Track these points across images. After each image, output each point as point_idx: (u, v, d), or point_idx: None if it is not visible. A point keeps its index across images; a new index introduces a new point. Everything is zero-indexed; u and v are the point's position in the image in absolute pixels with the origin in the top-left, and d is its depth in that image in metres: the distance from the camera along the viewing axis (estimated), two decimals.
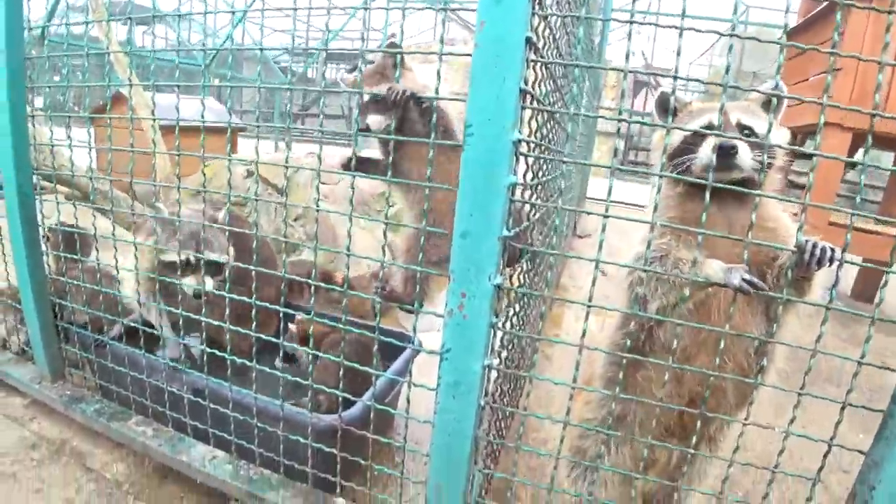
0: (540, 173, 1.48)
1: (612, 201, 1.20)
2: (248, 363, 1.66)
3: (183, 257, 1.95)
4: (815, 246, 1.22)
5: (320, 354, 1.90)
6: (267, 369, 1.66)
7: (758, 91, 1.35)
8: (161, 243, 2.00)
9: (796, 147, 1.37)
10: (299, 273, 2.83)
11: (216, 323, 1.74)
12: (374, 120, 1.87)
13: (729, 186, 1.18)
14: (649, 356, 1.47)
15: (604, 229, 1.20)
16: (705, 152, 1.35)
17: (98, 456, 2.11)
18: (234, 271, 2.14)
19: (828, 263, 1.23)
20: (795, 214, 1.34)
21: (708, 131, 1.25)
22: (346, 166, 1.97)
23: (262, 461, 1.84)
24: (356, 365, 1.63)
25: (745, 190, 1.20)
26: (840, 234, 1.18)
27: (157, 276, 1.99)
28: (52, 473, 1.99)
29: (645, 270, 1.28)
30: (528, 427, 2.52)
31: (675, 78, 1.16)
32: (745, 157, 1.34)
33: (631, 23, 1.13)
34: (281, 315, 2.27)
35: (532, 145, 1.27)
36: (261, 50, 1.56)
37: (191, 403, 1.90)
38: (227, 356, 1.76)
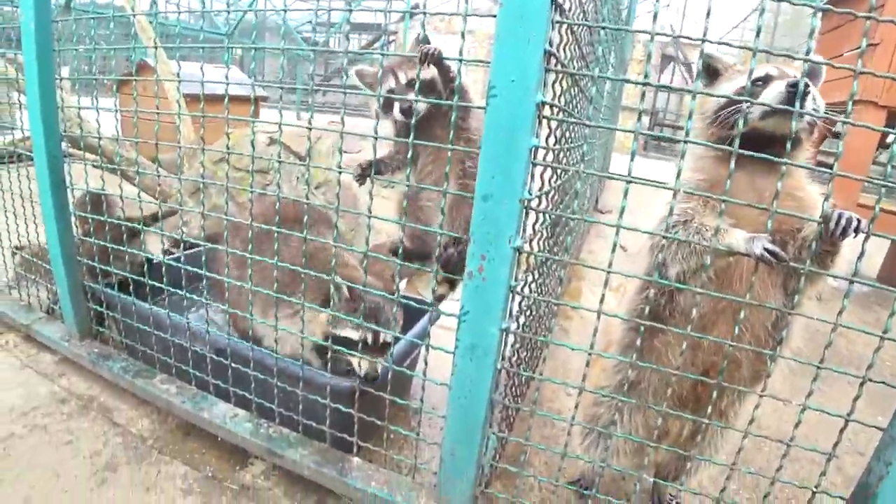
0: (563, 139, 1.47)
1: (634, 178, 1.18)
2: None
3: (362, 336, 1.75)
4: (840, 216, 1.19)
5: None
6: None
7: (793, 57, 1.30)
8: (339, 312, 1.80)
9: (833, 116, 1.32)
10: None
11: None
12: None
13: (758, 155, 1.15)
14: (668, 322, 1.46)
15: (626, 194, 1.19)
16: (773, 92, 1.29)
17: (124, 411, 2.18)
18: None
19: (853, 234, 1.20)
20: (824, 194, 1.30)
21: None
22: (365, 173, 1.94)
23: (281, 420, 1.89)
24: (377, 327, 1.66)
25: (772, 158, 1.17)
26: (868, 215, 1.14)
27: (330, 345, 1.76)
28: (80, 427, 2.07)
29: (665, 237, 1.26)
30: (543, 398, 2.54)
31: (704, 40, 1.13)
32: (811, 103, 1.29)
33: None
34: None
35: (555, 109, 1.26)
36: (284, 13, 1.55)
37: (213, 363, 1.95)
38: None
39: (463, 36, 1.28)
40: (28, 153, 2.22)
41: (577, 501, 1.93)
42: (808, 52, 1.11)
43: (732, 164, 1.13)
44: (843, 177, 1.19)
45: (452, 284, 2.01)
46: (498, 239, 1.23)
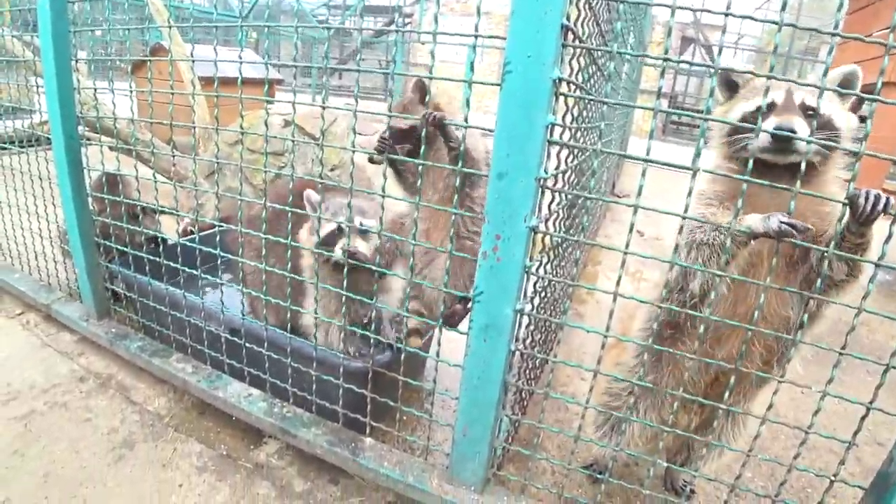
0: (580, 117, 1.44)
1: (652, 160, 1.15)
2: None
3: (334, 225, 1.79)
4: (868, 193, 1.16)
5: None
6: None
7: (820, 31, 1.25)
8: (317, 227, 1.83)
9: (831, 143, 1.28)
10: None
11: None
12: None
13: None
14: (686, 330, 1.49)
15: (644, 174, 1.16)
16: (763, 133, 1.25)
17: (141, 390, 2.22)
18: None
19: (882, 212, 1.16)
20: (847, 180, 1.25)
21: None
22: (382, 144, 1.98)
23: (295, 400, 1.90)
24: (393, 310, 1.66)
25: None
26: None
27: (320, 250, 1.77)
28: (98, 404, 2.11)
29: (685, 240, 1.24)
30: (558, 382, 2.53)
31: (728, 14, 1.09)
32: (804, 136, 1.24)
33: None
34: None
35: (572, 86, 1.23)
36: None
37: (228, 342, 1.96)
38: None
39: (479, 13, 1.26)
40: (47, 136, 2.24)
41: (590, 485, 1.93)
42: (835, 27, 1.07)
43: (744, 187, 1.12)
44: (871, 155, 1.15)
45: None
46: (513, 218, 1.21)
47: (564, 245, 1.81)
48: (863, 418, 1.27)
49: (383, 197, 1.43)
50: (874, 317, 1.20)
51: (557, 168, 1.35)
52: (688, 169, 1.19)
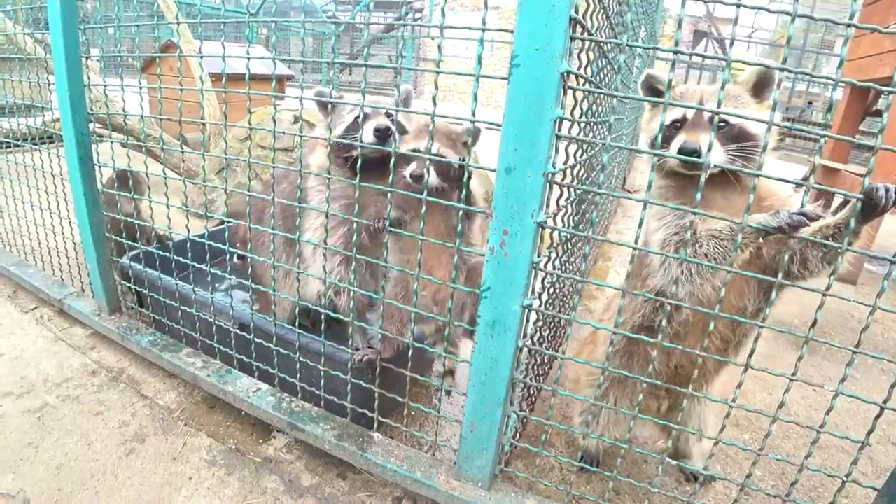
0: (589, 111, 1.42)
1: (660, 153, 1.14)
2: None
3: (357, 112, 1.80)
4: (887, 189, 1.14)
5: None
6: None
7: (835, 22, 1.22)
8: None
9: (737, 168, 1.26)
10: None
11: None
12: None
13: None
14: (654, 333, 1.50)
15: (654, 168, 1.14)
16: (672, 150, 1.28)
17: (152, 384, 2.24)
18: None
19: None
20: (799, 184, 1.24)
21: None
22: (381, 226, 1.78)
23: (303, 395, 1.91)
24: (399, 304, 1.66)
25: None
26: None
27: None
28: (110, 398, 2.13)
29: (684, 259, 1.22)
30: (565, 378, 2.52)
31: (739, 5, 1.07)
32: (716, 154, 1.28)
33: None
34: None
35: (581, 79, 1.21)
36: None
37: (237, 337, 1.97)
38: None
39: (486, 5, 1.24)
40: (60, 133, 2.26)
41: (598, 482, 1.92)
42: (851, 17, 1.04)
43: (699, 196, 1.12)
44: (888, 150, 1.12)
45: None
46: (520, 213, 1.20)
47: (574, 241, 1.80)
48: (877, 417, 1.24)
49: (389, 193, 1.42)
50: (890, 315, 1.18)
51: (566, 163, 1.33)
52: (696, 162, 1.17)
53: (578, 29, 1.14)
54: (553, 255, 1.48)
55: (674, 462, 1.45)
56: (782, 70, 1.11)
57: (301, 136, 1.60)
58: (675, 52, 1.10)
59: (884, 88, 1.12)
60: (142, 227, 2.19)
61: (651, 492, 1.41)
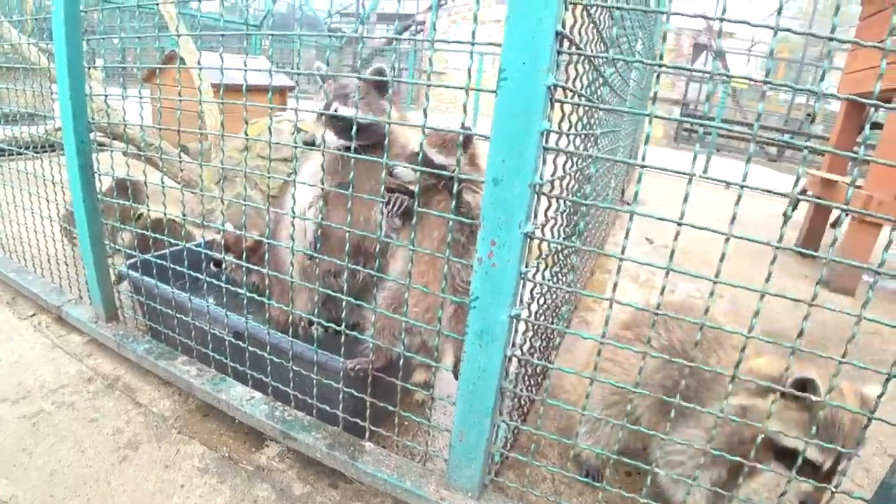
0: (578, 124, 1.44)
1: (647, 164, 1.15)
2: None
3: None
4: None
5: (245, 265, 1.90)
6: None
7: (816, 36, 1.24)
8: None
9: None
10: None
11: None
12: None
13: None
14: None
15: (640, 179, 1.16)
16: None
17: (147, 391, 2.25)
18: None
19: None
20: None
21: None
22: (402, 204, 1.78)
23: (296, 403, 1.91)
24: (391, 314, 1.67)
25: None
26: None
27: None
28: (105, 405, 2.14)
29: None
30: (561, 389, 2.51)
31: (722, 19, 1.09)
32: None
33: None
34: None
35: (569, 92, 1.23)
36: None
37: (231, 346, 1.98)
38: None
39: (475, 19, 1.27)
40: (60, 141, 2.29)
41: (590, 493, 1.91)
42: (833, 31, 1.06)
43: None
44: (872, 161, 1.14)
45: None
46: (508, 224, 1.22)
47: (564, 252, 1.81)
48: (864, 427, 1.25)
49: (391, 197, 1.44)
50: (888, 328, 1.18)
51: (554, 174, 1.35)
52: (685, 174, 1.19)
53: (566, 43, 1.16)
54: (542, 266, 1.49)
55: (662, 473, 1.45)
56: (767, 82, 1.12)
57: (296, 147, 1.62)
58: (660, 66, 1.12)
59: (867, 101, 1.13)
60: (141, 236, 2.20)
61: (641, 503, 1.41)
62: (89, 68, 2.23)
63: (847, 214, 1.24)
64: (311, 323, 1.89)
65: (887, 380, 1.17)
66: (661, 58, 1.10)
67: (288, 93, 6.85)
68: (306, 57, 17.69)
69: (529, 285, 1.36)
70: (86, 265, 2.41)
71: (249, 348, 1.91)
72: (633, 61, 1.10)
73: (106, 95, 2.21)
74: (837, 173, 5.44)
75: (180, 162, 2.05)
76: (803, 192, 6.39)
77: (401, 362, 1.61)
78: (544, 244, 1.36)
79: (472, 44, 1.25)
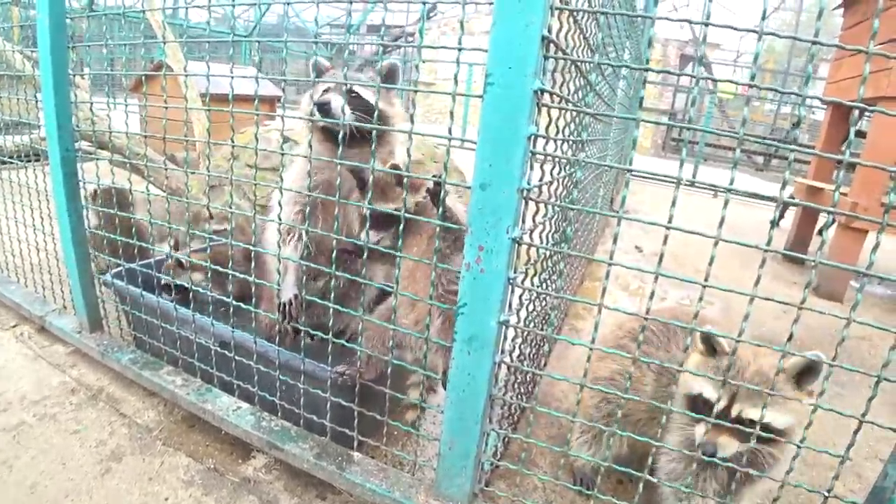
0: (566, 129, 1.44)
1: (634, 169, 1.15)
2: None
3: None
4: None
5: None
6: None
7: (799, 39, 1.24)
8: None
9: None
10: None
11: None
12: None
13: None
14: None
15: (627, 184, 1.16)
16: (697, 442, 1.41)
17: (131, 402, 2.20)
18: None
19: None
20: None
21: None
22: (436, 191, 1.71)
23: (283, 413, 1.88)
24: (382, 322, 1.65)
25: None
26: (893, 215, 1.09)
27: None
28: (88, 416, 2.09)
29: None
30: (553, 397, 2.50)
31: (707, 24, 1.09)
32: (728, 451, 1.36)
33: None
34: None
35: (555, 97, 1.23)
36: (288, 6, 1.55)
37: (217, 355, 1.95)
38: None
39: (462, 26, 1.27)
40: (46, 150, 2.26)
41: (582, 502, 1.90)
42: (816, 34, 1.06)
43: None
44: (867, 166, 1.14)
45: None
46: (496, 229, 1.21)
47: (554, 258, 1.81)
48: (855, 431, 1.24)
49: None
50: (876, 332, 1.18)
51: (542, 179, 1.35)
52: (672, 179, 1.19)
53: (552, 48, 1.16)
54: (531, 272, 1.48)
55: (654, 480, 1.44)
56: (753, 85, 1.13)
57: (283, 154, 1.61)
58: (646, 70, 1.12)
59: (853, 104, 1.14)
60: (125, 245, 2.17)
61: None
62: (75, 76, 2.21)
63: (834, 220, 1.25)
64: (297, 331, 1.86)
65: (877, 383, 1.17)
66: (646, 62, 1.11)
67: (276, 102, 6.84)
68: (295, 68, 17.66)
69: (518, 291, 1.35)
70: (70, 274, 2.38)
71: (236, 357, 1.88)
72: (619, 66, 1.10)
73: (91, 103, 2.18)
74: (822, 181, 5.51)
75: (166, 170, 2.03)
76: (790, 198, 6.45)
77: (389, 370, 1.59)
78: (532, 250, 1.35)
79: (459, 49, 1.25)
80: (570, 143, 1.51)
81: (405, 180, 1.39)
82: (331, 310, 1.64)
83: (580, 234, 2.80)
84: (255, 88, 1.59)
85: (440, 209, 1.34)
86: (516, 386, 1.84)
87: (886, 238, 1.15)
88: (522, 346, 1.70)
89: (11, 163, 2.71)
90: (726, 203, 1.16)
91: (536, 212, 1.40)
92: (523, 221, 1.26)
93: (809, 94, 1.12)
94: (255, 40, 1.56)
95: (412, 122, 1.37)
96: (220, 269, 1.82)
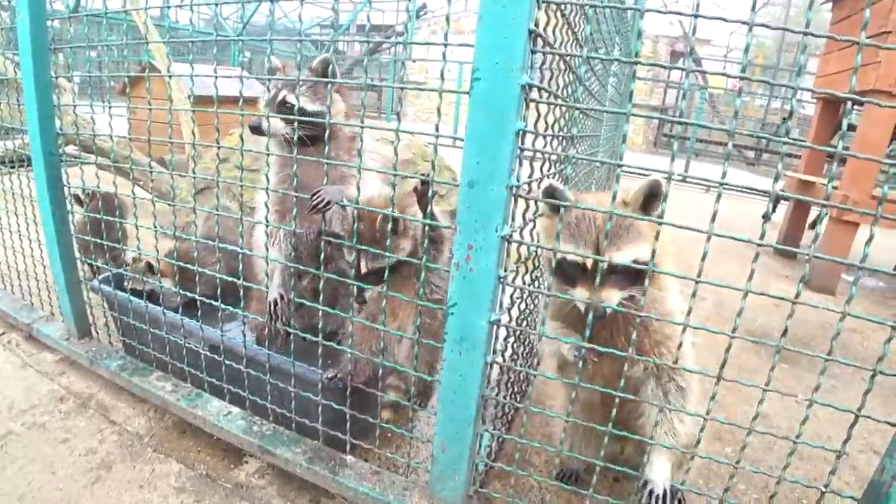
0: (555, 125, 1.42)
1: (624, 164, 1.14)
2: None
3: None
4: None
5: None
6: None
7: (790, 30, 1.24)
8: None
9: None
10: None
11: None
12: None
13: None
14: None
15: (618, 179, 1.14)
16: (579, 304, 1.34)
17: (121, 409, 2.17)
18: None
19: None
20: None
21: None
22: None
23: (275, 417, 1.86)
24: (371, 324, 1.63)
25: None
26: (884, 209, 1.08)
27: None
28: (77, 425, 2.06)
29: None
30: (546, 396, 2.49)
31: (697, 15, 1.08)
32: (615, 302, 1.28)
33: None
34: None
35: (543, 92, 1.21)
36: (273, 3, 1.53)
37: (207, 360, 1.92)
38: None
39: (447, 21, 1.25)
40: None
41: (578, 501, 1.88)
42: (807, 25, 1.05)
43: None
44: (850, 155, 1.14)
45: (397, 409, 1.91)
46: (485, 227, 1.19)
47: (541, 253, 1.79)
48: (852, 426, 1.23)
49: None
50: (868, 325, 1.18)
51: (531, 176, 1.33)
52: (663, 173, 1.18)
53: (539, 42, 1.14)
54: (521, 270, 1.46)
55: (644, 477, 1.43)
56: (744, 78, 1.12)
57: (269, 155, 1.58)
58: (635, 63, 1.10)
59: (844, 95, 1.13)
60: (112, 249, 2.14)
61: None
62: (58, 78, 2.18)
63: (826, 212, 1.24)
64: (287, 333, 1.84)
65: (872, 376, 1.16)
66: (636, 55, 1.09)
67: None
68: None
69: (509, 290, 1.33)
70: (56, 281, 2.34)
71: (226, 362, 1.86)
72: (608, 59, 1.09)
73: (75, 105, 2.15)
74: (813, 175, 5.53)
75: (151, 172, 2.00)
76: (782, 192, 6.48)
77: (381, 373, 1.57)
78: (523, 248, 1.33)
79: (445, 45, 1.23)
80: (560, 139, 1.50)
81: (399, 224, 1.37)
82: (320, 311, 1.61)
83: None
84: (239, 89, 1.56)
85: (427, 209, 1.32)
86: (509, 385, 1.82)
87: (876, 230, 1.13)
88: (515, 346, 1.69)
89: (2, 169, 2.66)
90: (719, 196, 1.14)
91: (526, 209, 1.38)
92: (513, 219, 1.24)
93: (800, 86, 1.10)
94: (238, 39, 1.53)
95: (399, 119, 1.35)
96: (189, 268, 1.79)
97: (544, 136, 1.34)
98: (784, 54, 18.81)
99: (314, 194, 1.61)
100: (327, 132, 1.43)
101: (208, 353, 1.92)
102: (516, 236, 1.26)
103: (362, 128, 1.40)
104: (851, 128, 4.83)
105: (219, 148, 1.65)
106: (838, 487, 1.67)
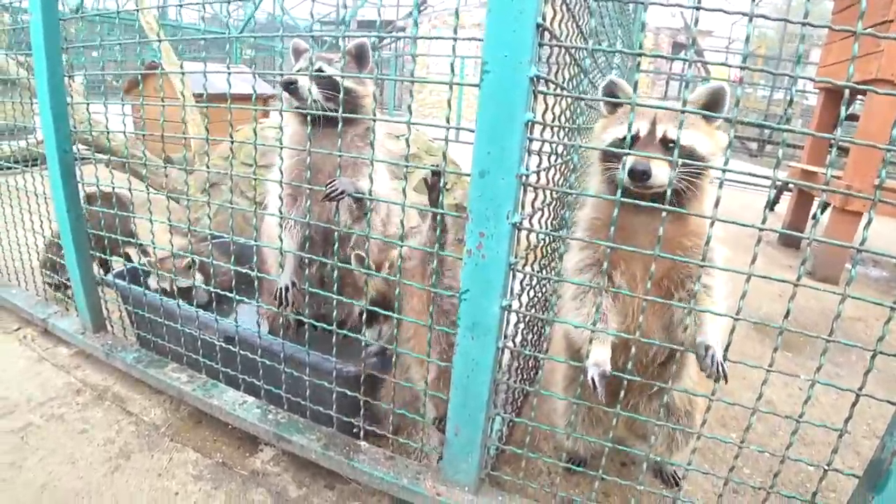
0: (562, 116, 1.46)
1: (630, 152, 1.17)
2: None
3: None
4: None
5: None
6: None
7: (790, 21, 1.26)
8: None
9: (711, 165, 1.29)
10: None
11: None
12: None
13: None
14: None
15: (624, 168, 1.17)
16: (624, 168, 1.24)
17: (137, 401, 2.22)
18: None
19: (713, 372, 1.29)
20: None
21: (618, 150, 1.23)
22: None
23: (289, 406, 1.90)
24: (381, 310, 1.67)
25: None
26: (886, 196, 1.11)
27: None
28: (95, 416, 2.11)
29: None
30: (552, 381, 2.53)
31: (698, 8, 1.11)
32: (662, 177, 1.24)
33: None
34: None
35: (551, 84, 1.25)
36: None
37: (222, 350, 1.97)
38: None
39: (456, 15, 1.28)
40: (44, 154, 2.27)
41: (587, 483, 1.92)
42: (806, 16, 1.08)
43: (615, 212, 1.19)
44: (851, 143, 1.17)
45: None
46: (496, 215, 1.23)
47: (553, 243, 1.83)
48: (853, 405, 1.27)
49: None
50: (871, 312, 1.21)
51: (540, 165, 1.36)
52: (667, 160, 1.21)
53: (546, 35, 1.18)
54: (531, 257, 1.50)
55: (658, 459, 1.46)
56: (745, 67, 1.15)
57: (282, 148, 1.62)
58: (639, 54, 1.14)
59: (845, 84, 1.16)
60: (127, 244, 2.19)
61: (639, 491, 1.42)
62: (69, 76, 2.21)
63: (826, 199, 1.27)
64: (300, 323, 1.88)
65: (873, 356, 1.20)
66: (639, 47, 1.12)
67: (270, 101, 6.83)
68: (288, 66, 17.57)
69: (519, 276, 1.36)
70: (71, 276, 2.39)
71: (240, 352, 1.90)
72: (612, 51, 1.12)
73: (88, 103, 2.19)
74: (816, 164, 5.54)
75: (165, 168, 2.04)
76: (785, 183, 6.50)
77: (394, 360, 1.61)
78: (532, 235, 1.37)
79: (455, 39, 1.26)
80: (567, 129, 1.53)
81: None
82: (335, 301, 1.65)
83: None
84: (250, 87, 1.60)
85: (439, 199, 1.36)
86: (519, 370, 1.86)
87: (880, 221, 1.17)
88: (524, 331, 1.72)
89: (10, 168, 2.71)
90: (721, 184, 1.18)
91: (535, 198, 1.42)
92: (522, 207, 1.27)
93: (802, 75, 1.14)
94: (249, 36, 1.57)
95: (410, 112, 1.38)
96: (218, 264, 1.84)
97: (552, 127, 1.37)
98: (786, 45, 18.72)
99: (328, 184, 1.65)
100: (353, 110, 1.47)
101: (223, 344, 1.96)
102: (526, 224, 1.30)
103: (374, 120, 1.44)
104: (855, 118, 4.84)
105: (232, 143, 1.68)
106: (839, 467, 1.70)
